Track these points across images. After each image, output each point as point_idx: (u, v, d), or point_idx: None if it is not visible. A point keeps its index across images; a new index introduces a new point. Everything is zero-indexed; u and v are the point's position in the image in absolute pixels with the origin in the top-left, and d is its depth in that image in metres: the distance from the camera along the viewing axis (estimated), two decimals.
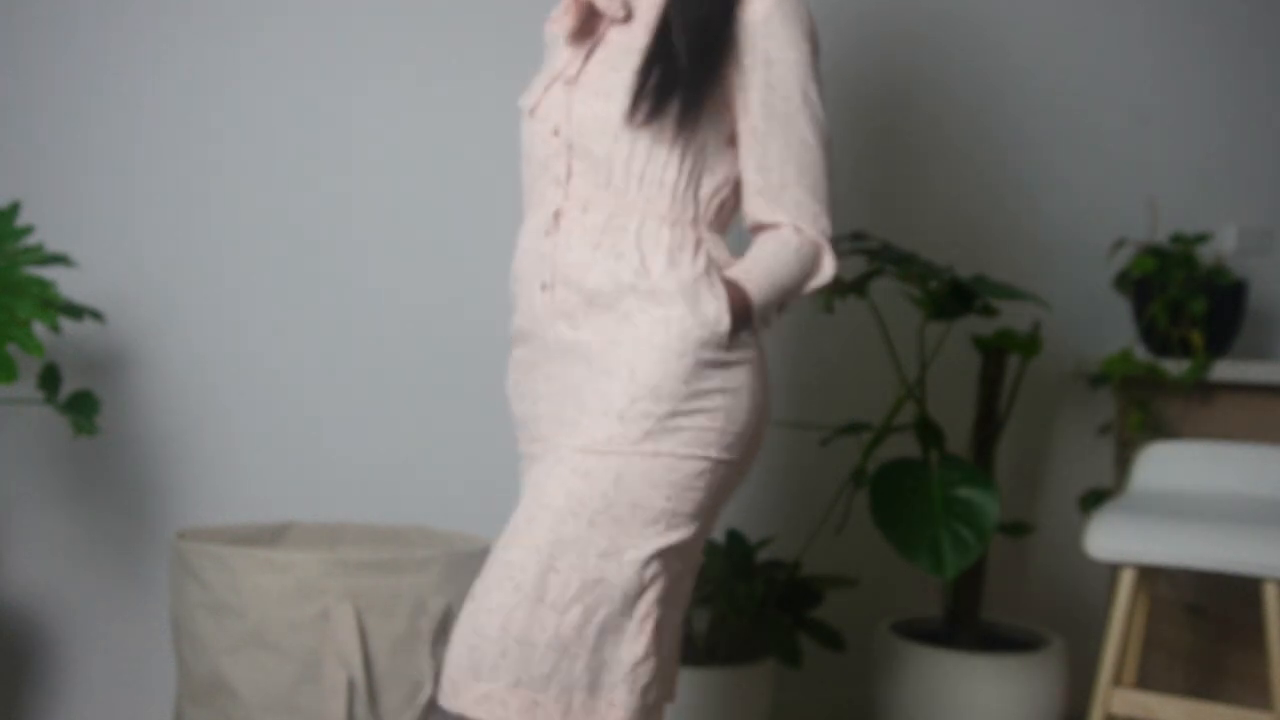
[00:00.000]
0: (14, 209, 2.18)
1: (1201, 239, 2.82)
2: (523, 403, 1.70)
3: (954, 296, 2.55)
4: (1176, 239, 2.83)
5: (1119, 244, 2.86)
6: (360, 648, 1.99)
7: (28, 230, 2.15)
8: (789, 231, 1.63)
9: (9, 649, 2.42)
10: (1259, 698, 2.42)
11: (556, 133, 1.62)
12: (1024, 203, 2.97)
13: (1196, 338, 2.72)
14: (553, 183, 1.63)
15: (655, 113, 1.55)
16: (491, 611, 1.47)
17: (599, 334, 1.58)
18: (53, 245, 2.25)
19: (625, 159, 1.58)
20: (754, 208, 1.64)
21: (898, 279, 2.55)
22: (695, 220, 1.61)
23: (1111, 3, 3.01)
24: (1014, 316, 2.83)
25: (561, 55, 1.69)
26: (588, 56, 1.65)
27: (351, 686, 1.98)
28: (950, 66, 2.92)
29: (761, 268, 1.62)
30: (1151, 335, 2.82)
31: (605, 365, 1.56)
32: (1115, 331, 2.99)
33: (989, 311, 2.58)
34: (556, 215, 1.62)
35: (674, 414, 1.53)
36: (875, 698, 2.65)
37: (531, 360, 1.68)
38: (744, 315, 1.59)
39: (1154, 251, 2.82)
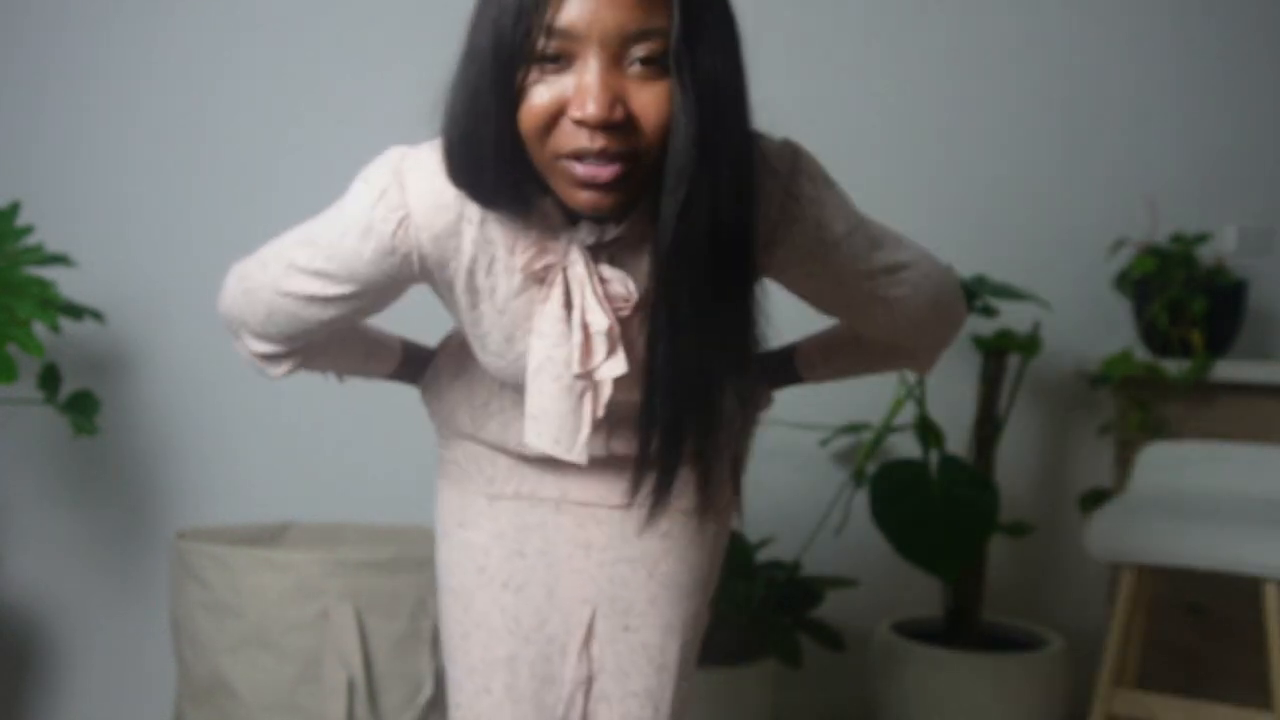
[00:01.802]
0: (14, 209, 2.18)
1: (1201, 239, 2.82)
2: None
3: None
4: (1176, 239, 2.83)
5: (1119, 244, 2.86)
6: (360, 648, 1.99)
7: (28, 230, 2.15)
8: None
9: (9, 649, 2.42)
10: (1259, 698, 2.42)
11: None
12: (1024, 203, 2.97)
13: (1196, 338, 2.72)
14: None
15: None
16: (639, 696, 1.49)
17: None
18: (53, 245, 2.25)
19: None
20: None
21: None
22: None
23: (1112, 2, 3.01)
24: (1014, 316, 2.82)
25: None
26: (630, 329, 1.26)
27: (351, 686, 1.98)
28: (950, 66, 2.92)
29: (833, 369, 1.58)
30: (1151, 335, 2.81)
31: None
32: (1115, 331, 2.99)
33: (989, 311, 2.58)
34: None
35: None
36: (875, 698, 2.64)
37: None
38: None
39: (1154, 251, 2.82)
